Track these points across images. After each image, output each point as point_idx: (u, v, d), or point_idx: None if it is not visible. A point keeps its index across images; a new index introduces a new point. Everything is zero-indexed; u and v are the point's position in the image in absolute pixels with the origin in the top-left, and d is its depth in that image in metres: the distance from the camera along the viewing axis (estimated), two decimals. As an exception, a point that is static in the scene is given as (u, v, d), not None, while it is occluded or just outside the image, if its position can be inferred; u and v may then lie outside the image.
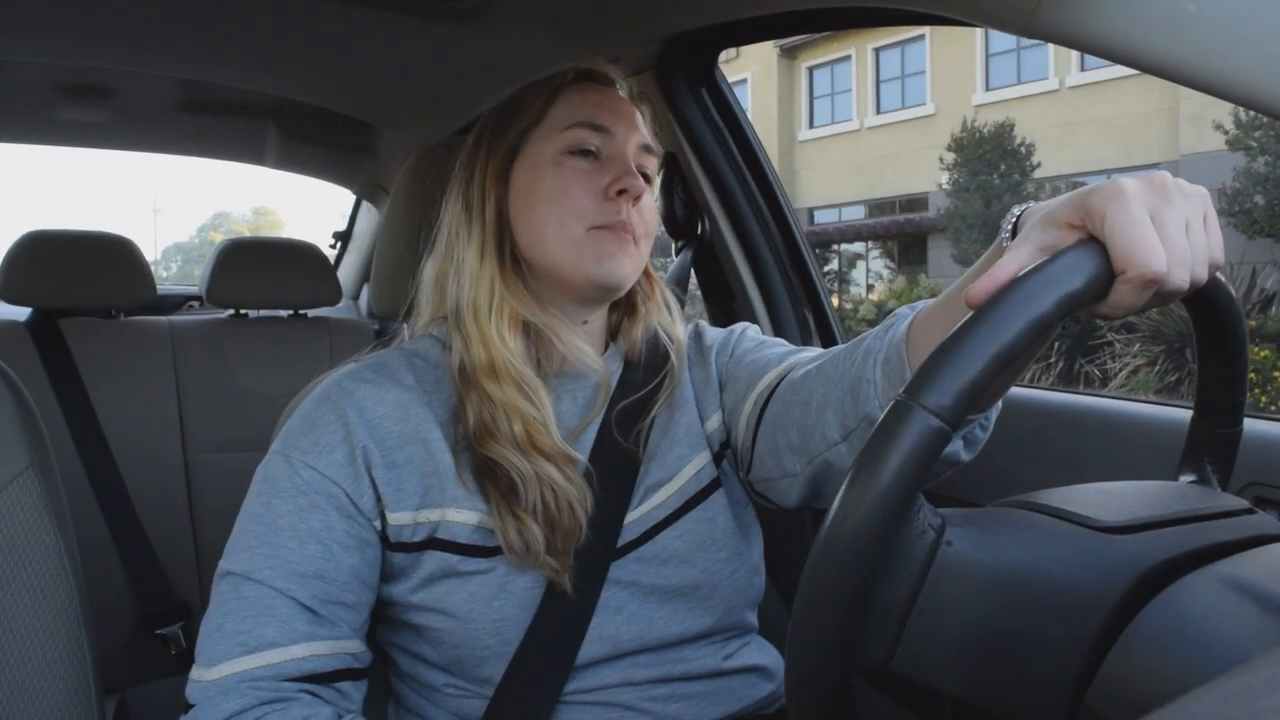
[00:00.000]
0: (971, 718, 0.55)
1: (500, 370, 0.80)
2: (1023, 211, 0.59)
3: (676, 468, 0.87)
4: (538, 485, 0.78)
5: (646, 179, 0.88)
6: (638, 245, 0.85)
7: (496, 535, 0.78)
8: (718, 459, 0.90)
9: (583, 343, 0.85)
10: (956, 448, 0.71)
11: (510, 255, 0.84)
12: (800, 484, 0.80)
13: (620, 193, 0.82)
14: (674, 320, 0.94)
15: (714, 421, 0.91)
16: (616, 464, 0.85)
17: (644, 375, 0.90)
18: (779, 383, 0.84)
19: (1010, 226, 0.59)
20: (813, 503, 0.82)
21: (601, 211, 0.82)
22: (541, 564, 0.78)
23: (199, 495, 1.83)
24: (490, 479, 0.79)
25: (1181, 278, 0.50)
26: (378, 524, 0.80)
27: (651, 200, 0.88)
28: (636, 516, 0.85)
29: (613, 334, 0.94)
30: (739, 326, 0.98)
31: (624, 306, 0.93)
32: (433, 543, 0.80)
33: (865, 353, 0.72)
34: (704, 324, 1.00)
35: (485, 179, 0.86)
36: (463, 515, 0.80)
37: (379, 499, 0.80)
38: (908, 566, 0.50)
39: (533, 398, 0.81)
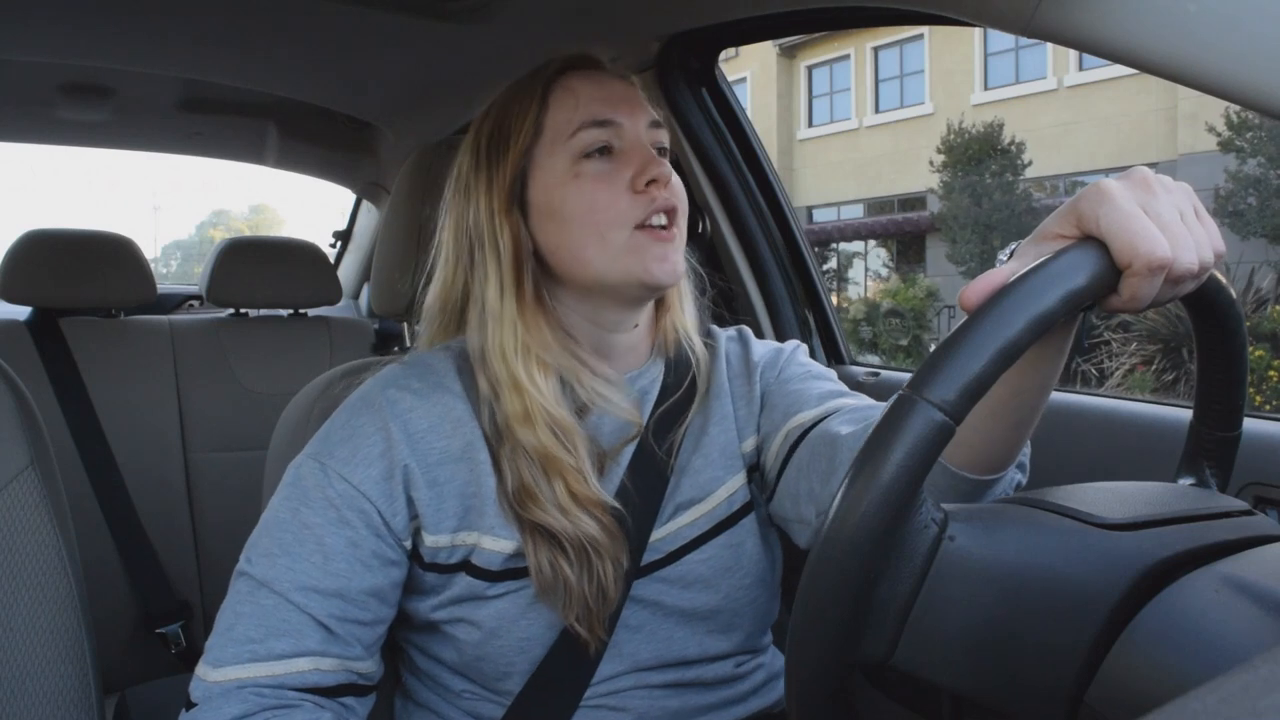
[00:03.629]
0: (971, 714, 0.56)
1: (534, 416, 0.76)
2: (1019, 245, 0.59)
3: (709, 489, 0.85)
4: (579, 541, 0.76)
5: (664, 152, 0.83)
6: (678, 228, 0.80)
7: (529, 567, 0.76)
8: (749, 477, 0.88)
9: (608, 388, 0.81)
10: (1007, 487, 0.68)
11: (533, 289, 0.80)
12: (812, 531, 0.79)
13: (650, 183, 0.78)
14: (685, 318, 0.90)
15: (751, 442, 0.88)
16: (649, 478, 0.83)
17: (677, 376, 0.87)
18: (813, 426, 0.81)
19: (1009, 254, 0.59)
20: None
21: (637, 207, 0.78)
22: (565, 611, 0.75)
23: (199, 494, 1.83)
24: (530, 521, 0.76)
25: (1189, 260, 0.50)
26: (408, 543, 0.78)
27: (676, 175, 0.83)
28: (663, 535, 0.83)
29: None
30: (789, 346, 0.94)
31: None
32: (464, 566, 0.78)
33: None
34: (749, 332, 0.96)
35: (495, 210, 0.80)
36: (498, 544, 0.77)
37: (414, 518, 0.77)
38: (910, 561, 0.50)
39: (567, 443, 0.77)
